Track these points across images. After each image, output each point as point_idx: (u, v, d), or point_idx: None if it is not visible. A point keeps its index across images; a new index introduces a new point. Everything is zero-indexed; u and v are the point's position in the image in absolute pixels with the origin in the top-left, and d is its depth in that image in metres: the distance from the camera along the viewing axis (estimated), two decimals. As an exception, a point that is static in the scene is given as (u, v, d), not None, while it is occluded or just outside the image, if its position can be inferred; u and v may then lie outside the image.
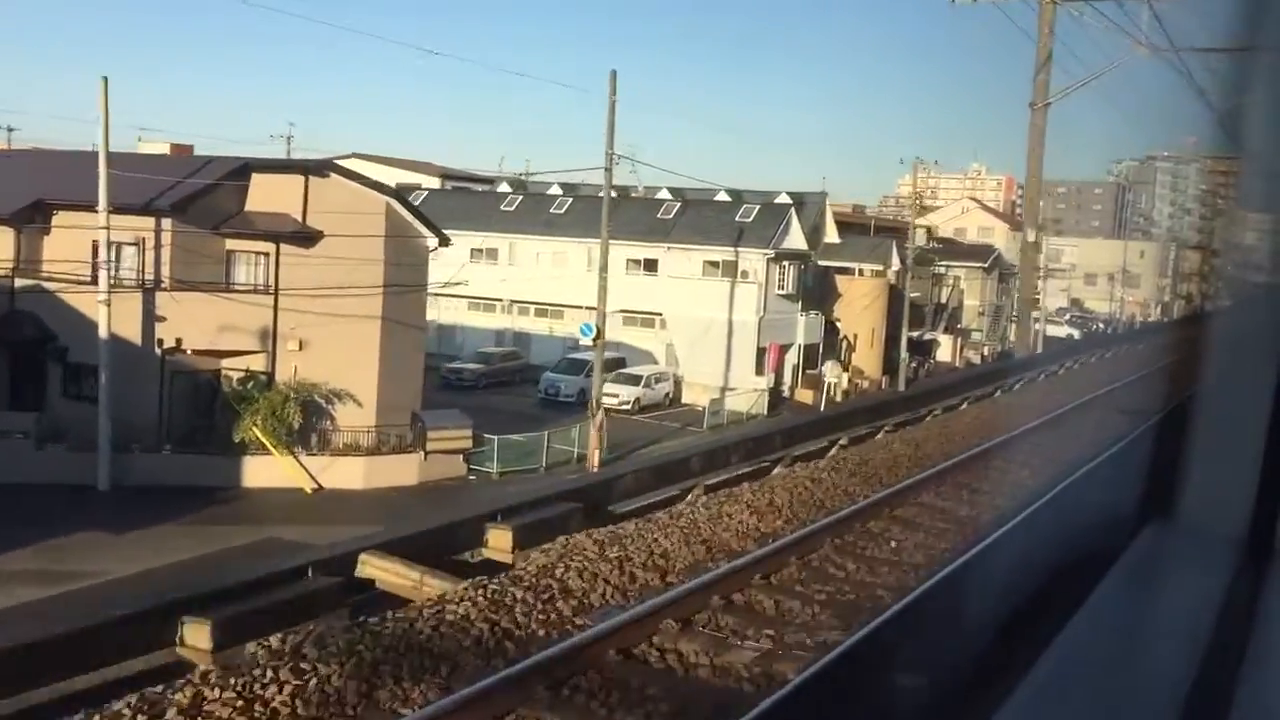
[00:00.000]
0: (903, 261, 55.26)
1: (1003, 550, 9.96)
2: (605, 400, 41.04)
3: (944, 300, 67.97)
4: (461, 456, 30.11)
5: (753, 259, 44.90)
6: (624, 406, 41.41)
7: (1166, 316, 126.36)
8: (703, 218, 47.28)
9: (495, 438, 30.39)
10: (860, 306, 53.94)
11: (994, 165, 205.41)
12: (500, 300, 49.85)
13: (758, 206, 46.82)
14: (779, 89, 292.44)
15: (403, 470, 28.57)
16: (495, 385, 44.72)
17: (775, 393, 47.40)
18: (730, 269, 45.46)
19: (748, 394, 43.83)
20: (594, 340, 32.59)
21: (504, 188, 55.89)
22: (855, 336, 54.37)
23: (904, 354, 54.17)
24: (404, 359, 29.33)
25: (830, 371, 50.20)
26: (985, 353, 70.93)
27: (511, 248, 50.20)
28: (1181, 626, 2.45)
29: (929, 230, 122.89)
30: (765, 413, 43.66)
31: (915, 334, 62.34)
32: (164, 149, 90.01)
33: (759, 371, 44.32)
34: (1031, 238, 28.81)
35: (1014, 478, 20.21)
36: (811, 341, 49.67)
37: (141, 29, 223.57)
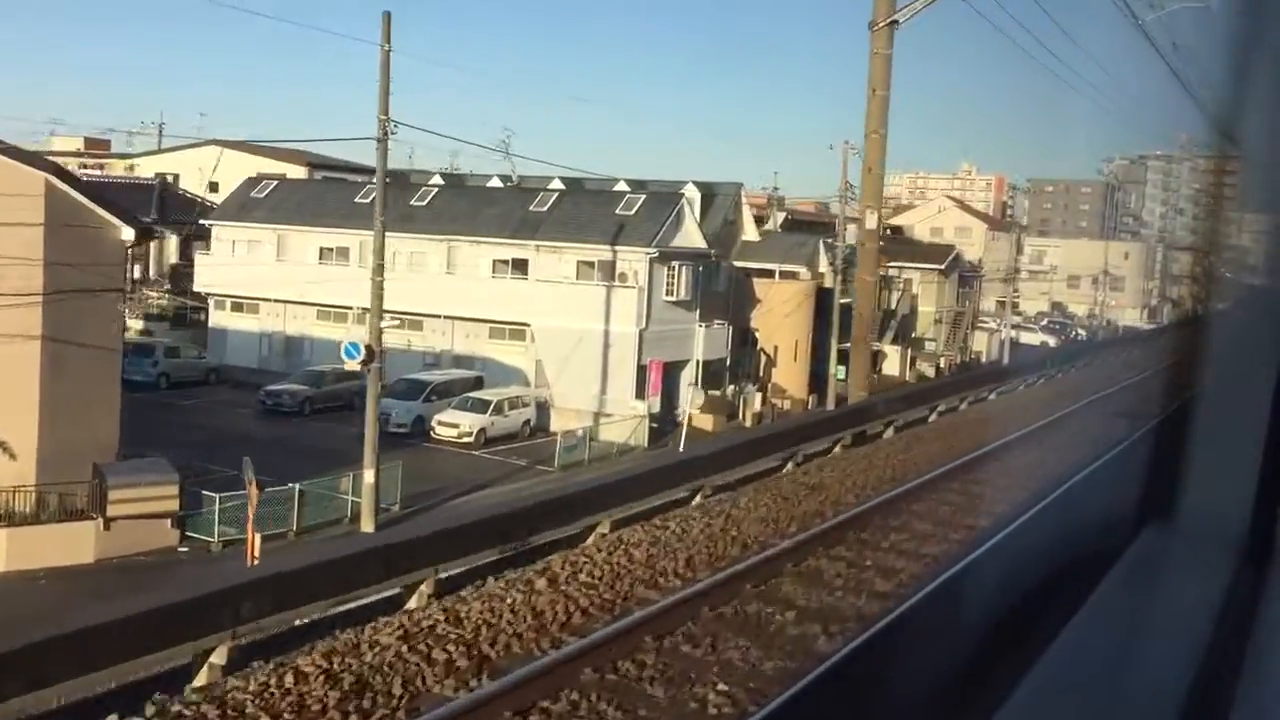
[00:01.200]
0: (833, 262, 47.86)
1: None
2: (442, 431, 33.74)
3: (893, 306, 60.56)
4: (171, 521, 22.68)
5: (632, 259, 37.51)
6: (465, 439, 34.02)
7: (1155, 321, 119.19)
8: (580, 210, 39.91)
9: (217, 495, 22.93)
10: (781, 315, 46.56)
11: (985, 166, 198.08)
12: (350, 308, 42.39)
13: (642, 197, 39.42)
14: (764, 86, 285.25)
15: (71, 544, 21.15)
16: (327, 410, 37.30)
17: (666, 418, 40.02)
18: (609, 271, 38.08)
19: (628, 421, 36.45)
20: (362, 363, 25.19)
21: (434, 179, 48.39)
22: (776, 349, 46.98)
23: (833, 368, 46.73)
24: (84, 391, 21.91)
25: (738, 392, 42.78)
26: (942, 364, 63.53)
27: (363, 246, 42.70)
28: (1181, 629, 2.47)
29: (889, 227, 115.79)
30: (646, 444, 36.26)
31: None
32: (78, 144, 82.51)
33: (639, 394, 36.93)
34: (871, 223, 21.44)
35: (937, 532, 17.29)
36: (715, 356, 42.28)
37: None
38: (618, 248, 37.67)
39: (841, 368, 53.64)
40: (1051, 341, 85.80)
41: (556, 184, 45.12)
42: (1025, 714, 1.99)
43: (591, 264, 38.34)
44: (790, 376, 46.98)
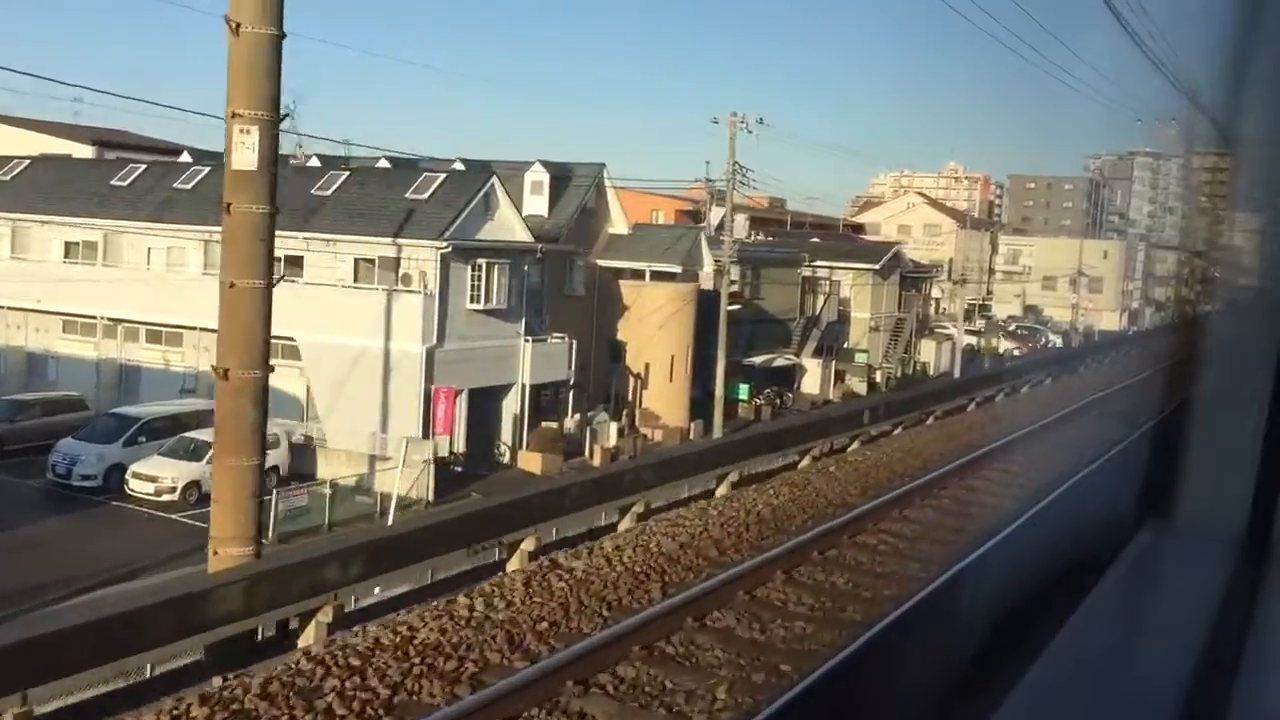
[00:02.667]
0: (719, 260, 39.31)
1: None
2: (137, 486, 25.23)
3: (817, 312, 52.06)
4: None
5: (419, 255, 28.92)
6: (165, 496, 25.45)
7: (1136, 325, 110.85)
8: (366, 194, 31.27)
9: None
10: (654, 324, 38.03)
11: (972, 164, 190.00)
12: (96, 318, 33.85)
13: (441, 177, 30.72)
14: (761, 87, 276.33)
15: None
16: (24, 451, 28.73)
17: (483, 458, 31.46)
18: (395, 270, 29.47)
19: (413, 466, 27.89)
20: None
21: (185, 158, 39.66)
22: (647, 367, 38.44)
23: (718, 388, 38.25)
24: None
25: (583, 422, 34.19)
26: (878, 379, 54.98)
27: (108, 240, 34.13)
28: (1179, 627, 2.49)
29: (848, 225, 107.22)
30: (430, 498, 27.71)
31: (761, 359, 46.47)
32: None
33: (428, 431, 28.33)
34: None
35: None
36: (554, 378, 33.71)
37: None
38: (402, 240, 29.08)
39: (744, 386, 45.30)
40: (1017, 349, 77.22)
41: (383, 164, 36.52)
42: (1025, 712, 1.97)
43: (373, 262, 29.74)
44: (666, 399, 38.45)
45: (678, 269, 38.42)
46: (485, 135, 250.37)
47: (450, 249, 28.65)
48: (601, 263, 38.78)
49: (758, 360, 45.92)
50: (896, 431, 46.03)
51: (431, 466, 27.71)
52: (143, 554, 22.64)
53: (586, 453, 33.71)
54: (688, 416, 38.91)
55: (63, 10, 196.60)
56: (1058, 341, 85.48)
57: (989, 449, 38.10)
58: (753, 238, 55.79)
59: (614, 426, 34.85)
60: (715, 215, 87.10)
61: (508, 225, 31.16)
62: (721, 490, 24.62)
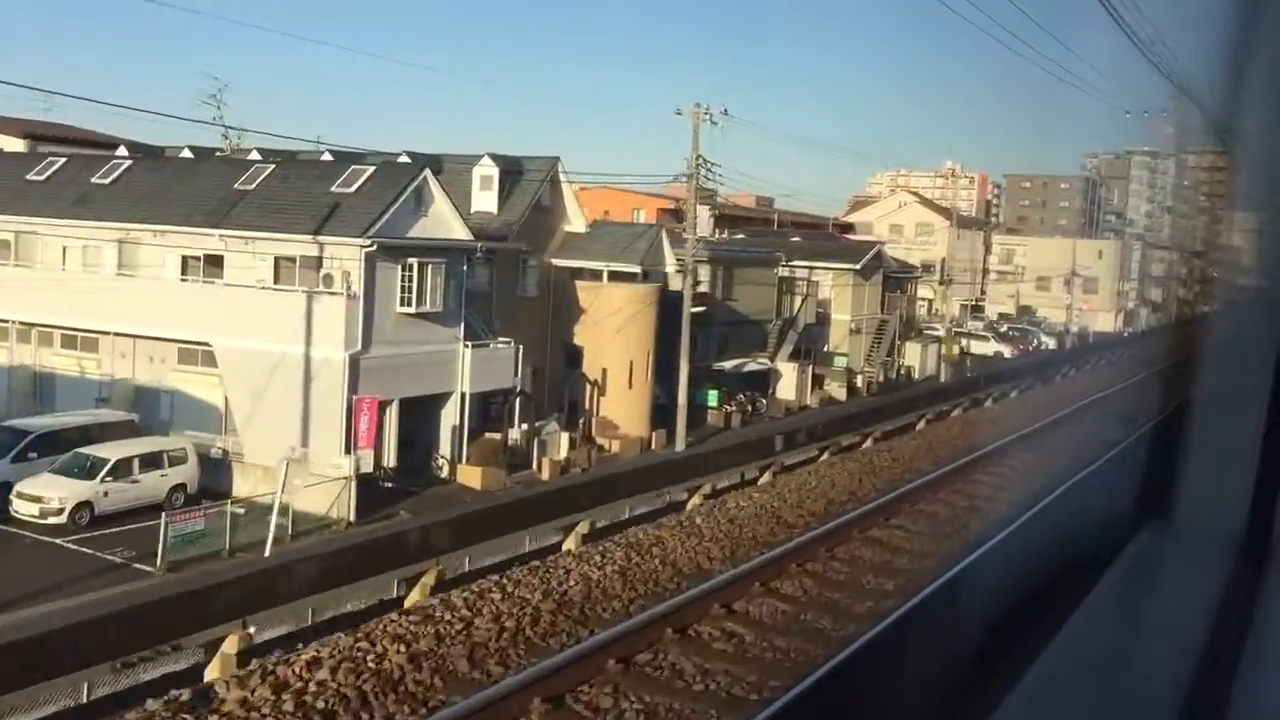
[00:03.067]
0: (682, 260, 37.01)
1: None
2: (21, 508, 23.00)
3: (793, 314, 49.73)
4: None
5: (342, 254, 26.63)
6: (51, 519, 23.14)
7: (1131, 327, 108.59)
8: (290, 187, 28.96)
9: None
10: (611, 328, 35.75)
11: (970, 164, 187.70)
12: (8, 322, 31.60)
13: (370, 169, 28.40)
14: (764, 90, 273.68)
15: None
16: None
17: (422, 472, 29.24)
18: (318, 270, 27.19)
19: (335, 483, 25.67)
20: None
21: (121, 151, 37.31)
22: (605, 373, 36.15)
23: (681, 395, 35.98)
24: None
25: (530, 433, 31.94)
26: (859, 384, 52.67)
27: (19, 239, 31.83)
28: (1179, 626, 2.49)
29: (836, 224, 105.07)
30: (351, 517, 25.45)
31: (732, 364, 44.19)
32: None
33: (351, 445, 26.05)
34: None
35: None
36: (493, 387, 31.43)
37: None
38: (323, 238, 26.80)
39: (713, 392, 43.02)
40: (1007, 352, 74.94)
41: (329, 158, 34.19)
42: (1025, 710, 1.95)
43: (295, 261, 27.46)
44: (624, 407, 36.16)
45: (636, 269, 36.09)
46: (485, 135, 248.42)
47: (375, 247, 26.34)
48: (557, 262, 36.51)
49: (728, 365, 43.63)
50: (866, 444, 44.04)
51: (353, 484, 25.44)
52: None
53: (534, 466, 31.45)
54: (648, 425, 36.63)
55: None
56: (1050, 343, 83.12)
57: (976, 456, 36.03)
58: (718, 235, 53.50)
59: (565, 437, 32.57)
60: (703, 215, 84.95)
61: (444, 222, 28.86)
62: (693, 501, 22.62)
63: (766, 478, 32.70)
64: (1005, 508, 29.91)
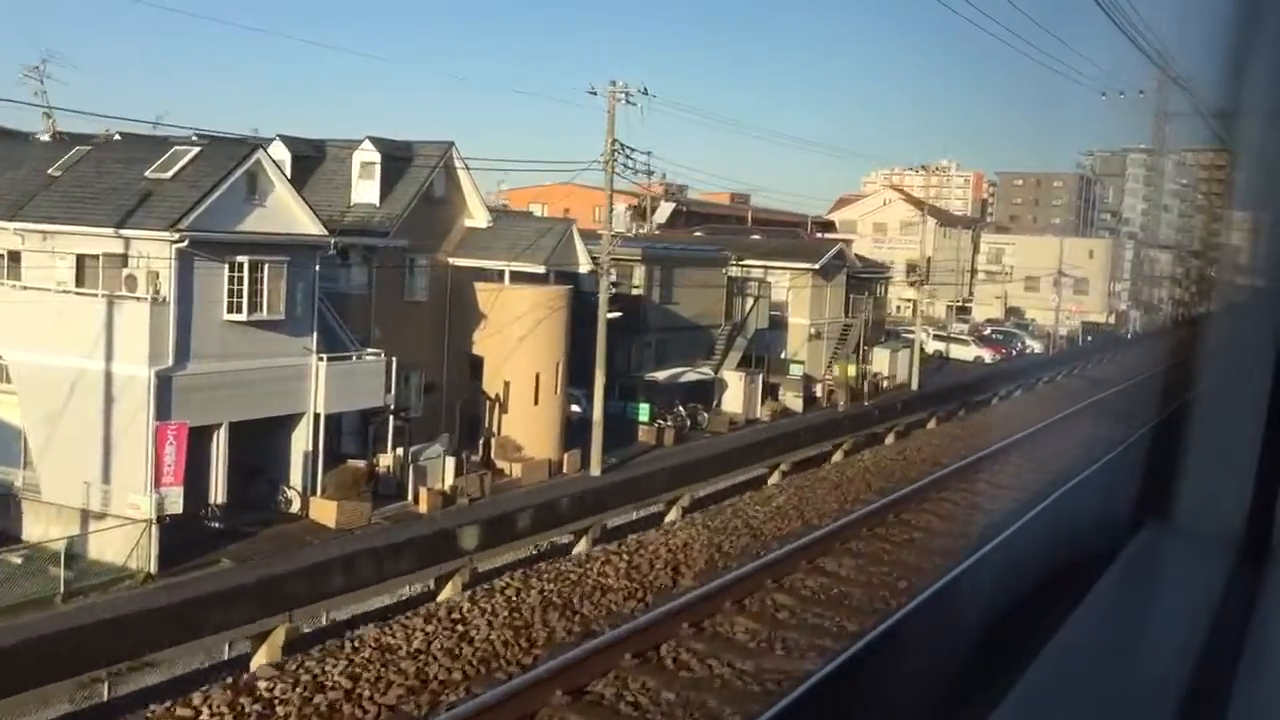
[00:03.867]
0: (596, 259, 32.61)
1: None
2: None
3: (743, 318, 45.31)
4: None
5: (149, 250, 22.23)
6: None
7: (1124, 328, 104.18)
8: (102, 173, 24.55)
9: None
10: (514, 335, 31.37)
11: (967, 162, 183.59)
12: None
13: (195, 150, 23.96)
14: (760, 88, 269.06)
15: None
16: None
17: (268, 503, 24.87)
18: (125, 270, 22.78)
19: (139, 525, 21.28)
20: None
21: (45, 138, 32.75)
22: (507, 386, 31.77)
23: (596, 410, 31.64)
24: None
25: (400, 461, 27.57)
26: (819, 393, 48.25)
27: None
28: (1178, 627, 2.49)
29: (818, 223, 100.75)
30: (152, 568, 21.06)
31: (666, 374, 39.85)
32: None
33: (158, 480, 21.62)
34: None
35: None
36: (357, 406, 27.09)
37: None
38: (128, 231, 22.42)
39: (644, 405, 38.66)
40: (988, 356, 70.47)
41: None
42: (1022, 712, 1.97)
43: (99, 259, 23.08)
44: (530, 425, 31.78)
45: (539, 268, 31.67)
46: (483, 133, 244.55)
47: (186, 242, 21.97)
48: (455, 261, 32.12)
49: (662, 375, 39.29)
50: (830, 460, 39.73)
51: (153, 528, 21.06)
52: None
53: (410, 496, 27.09)
54: (559, 446, 32.26)
55: None
56: (1035, 347, 78.54)
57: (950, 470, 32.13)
58: (637, 232, 49.19)
59: (450, 462, 28.19)
60: (663, 211, 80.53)
61: (287, 213, 24.49)
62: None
63: (674, 515, 28.42)
64: (966, 542, 25.96)
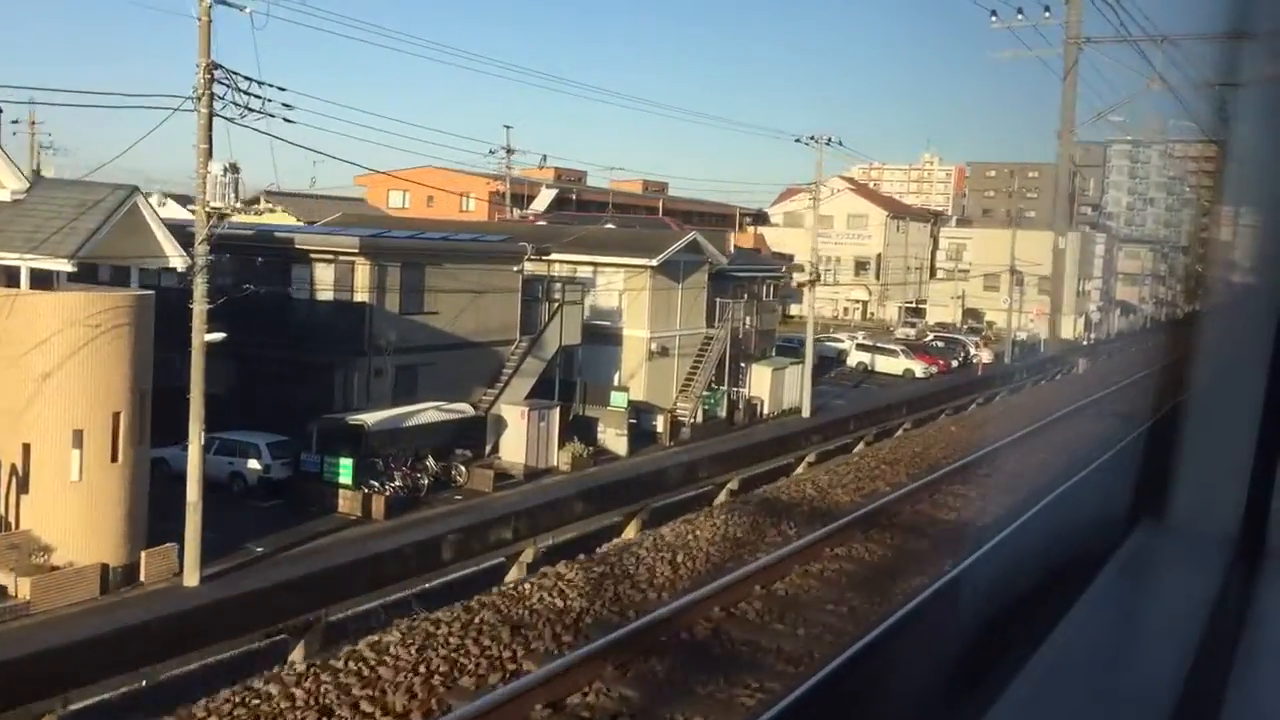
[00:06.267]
0: (186, 255, 20.84)
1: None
2: None
3: (540, 330, 33.56)
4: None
5: None
6: None
7: (1097, 334, 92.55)
8: None
9: None
10: (37, 370, 19.70)
11: (949, 156, 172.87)
12: None
13: None
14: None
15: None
16: None
17: None
18: None
19: None
20: None
21: None
22: (27, 450, 20.04)
23: (192, 488, 19.99)
24: None
25: None
26: (659, 428, 36.52)
27: None
28: (1173, 626, 2.51)
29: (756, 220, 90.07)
30: None
31: (389, 414, 28.21)
32: None
33: None
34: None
35: None
36: None
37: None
38: None
39: (345, 462, 27.05)
40: (919, 370, 58.64)
41: None
42: (1017, 712, 1.96)
43: None
44: (74, 510, 20.07)
45: (63, 265, 19.89)
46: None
47: None
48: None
49: (381, 416, 27.60)
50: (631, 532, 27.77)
51: None
52: None
53: None
54: (130, 539, 20.59)
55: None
56: (984, 356, 66.60)
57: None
58: (499, 219, 37.74)
59: None
60: (542, 199, 68.70)
61: None
62: None
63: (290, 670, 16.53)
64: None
